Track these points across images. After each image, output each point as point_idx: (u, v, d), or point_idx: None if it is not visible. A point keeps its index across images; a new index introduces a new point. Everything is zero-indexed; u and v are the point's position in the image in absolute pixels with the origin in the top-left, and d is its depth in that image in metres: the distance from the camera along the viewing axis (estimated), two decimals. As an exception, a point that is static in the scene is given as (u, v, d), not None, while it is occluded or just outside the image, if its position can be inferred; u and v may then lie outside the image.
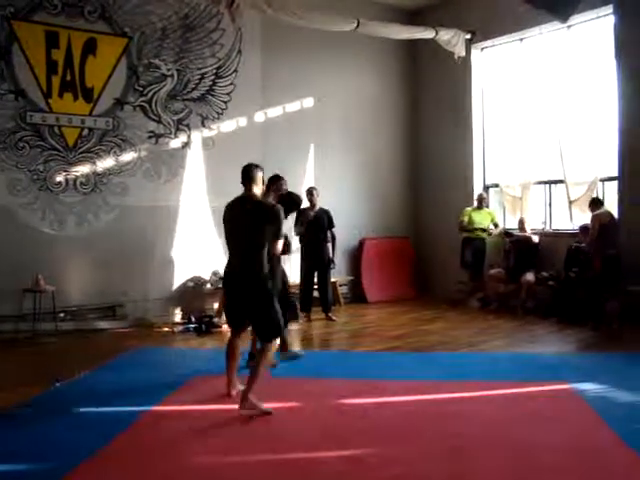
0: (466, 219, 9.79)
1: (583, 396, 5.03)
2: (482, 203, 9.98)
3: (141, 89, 8.74)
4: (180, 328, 8.24)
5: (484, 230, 9.79)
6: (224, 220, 4.94)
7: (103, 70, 8.45)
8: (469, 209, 9.91)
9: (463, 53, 9.73)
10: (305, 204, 8.78)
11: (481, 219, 9.85)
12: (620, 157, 8.64)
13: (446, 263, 10.66)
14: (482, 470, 3.70)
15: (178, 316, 8.94)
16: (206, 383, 5.59)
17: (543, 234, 9.57)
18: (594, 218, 7.99)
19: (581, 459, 3.81)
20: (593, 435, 4.22)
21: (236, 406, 4.64)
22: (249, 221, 4.77)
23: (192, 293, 9.10)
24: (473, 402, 4.99)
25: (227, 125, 9.45)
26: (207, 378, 5.75)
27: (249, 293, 4.77)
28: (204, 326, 8.14)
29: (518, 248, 9.36)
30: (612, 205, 8.57)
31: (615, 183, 8.79)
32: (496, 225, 10.01)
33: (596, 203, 8.24)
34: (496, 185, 10.58)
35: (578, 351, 6.94)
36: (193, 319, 8.36)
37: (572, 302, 8.39)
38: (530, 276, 9.05)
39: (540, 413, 4.65)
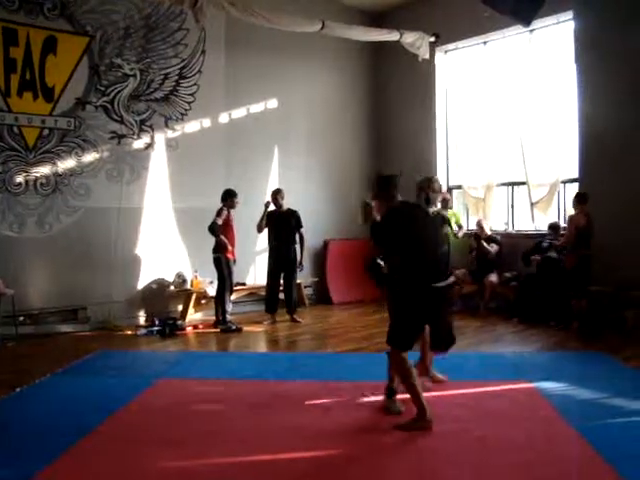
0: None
1: (545, 394, 5.10)
2: (447, 204, 10.07)
3: (103, 89, 8.61)
4: (143, 331, 8.12)
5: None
6: (406, 227, 4.47)
7: (64, 69, 8.30)
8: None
9: (427, 55, 9.81)
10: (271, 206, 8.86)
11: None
12: (580, 159, 8.81)
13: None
14: (447, 467, 3.74)
15: (142, 319, 8.85)
16: (171, 386, 5.54)
17: (505, 235, 9.71)
18: (570, 222, 7.97)
19: (541, 456, 3.86)
20: (554, 432, 4.28)
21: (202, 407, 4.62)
22: (437, 228, 4.74)
23: (156, 295, 9.01)
24: (438, 401, 5.01)
25: (191, 126, 9.38)
26: (172, 381, 5.70)
27: (444, 303, 4.61)
28: (168, 329, 8.04)
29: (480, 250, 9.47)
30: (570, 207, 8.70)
31: (576, 185, 8.95)
32: (460, 226, 10.10)
33: (582, 198, 7.98)
34: (459, 187, 10.69)
35: (540, 350, 7.03)
36: (157, 322, 8.27)
37: (534, 302, 8.54)
38: (493, 277, 9.16)
39: (503, 412, 4.71)
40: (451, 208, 10.19)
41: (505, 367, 6.16)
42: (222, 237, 8.13)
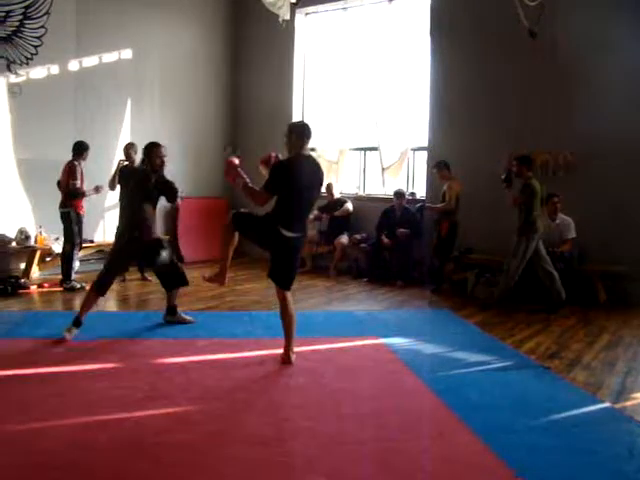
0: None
1: (392, 349, 5.42)
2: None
3: None
4: (-18, 290, 7.61)
5: None
6: (292, 178, 4.73)
7: None
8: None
9: (288, 16, 9.73)
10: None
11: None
12: (430, 128, 9.25)
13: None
14: (306, 419, 3.86)
15: (-21, 276, 8.29)
16: (12, 347, 5.28)
17: (356, 198, 10.05)
18: (451, 189, 8.21)
19: (389, 405, 4.14)
20: (401, 383, 4.59)
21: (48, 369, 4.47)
22: (318, 182, 4.95)
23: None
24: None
25: (37, 72, 8.77)
26: (13, 341, 5.43)
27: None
28: (9, 288, 7.59)
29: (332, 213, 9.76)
30: (422, 173, 9.19)
31: (424, 153, 9.39)
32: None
33: (445, 166, 8.36)
34: (313, 149, 10.86)
35: (388, 309, 7.39)
36: (-3, 280, 7.78)
37: (383, 264, 8.99)
38: (344, 238, 9.46)
39: (353, 365, 4.97)
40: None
41: (354, 324, 6.43)
42: (84, 190, 7.88)
